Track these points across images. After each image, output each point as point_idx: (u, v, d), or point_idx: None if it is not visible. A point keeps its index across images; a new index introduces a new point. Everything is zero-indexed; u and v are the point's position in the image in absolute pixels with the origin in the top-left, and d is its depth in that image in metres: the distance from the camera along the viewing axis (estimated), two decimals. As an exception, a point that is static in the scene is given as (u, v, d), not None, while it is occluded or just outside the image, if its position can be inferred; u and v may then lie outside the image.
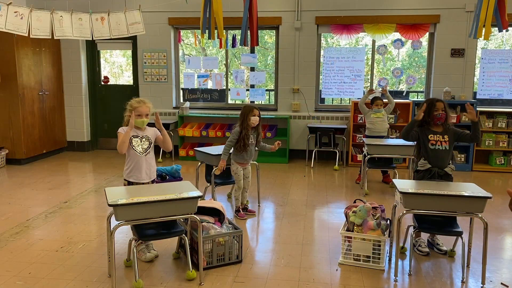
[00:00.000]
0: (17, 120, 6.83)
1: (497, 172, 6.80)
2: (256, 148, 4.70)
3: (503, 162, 6.88)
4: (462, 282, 3.25)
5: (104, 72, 8.50)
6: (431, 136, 3.69)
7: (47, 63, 7.49)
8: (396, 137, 7.06)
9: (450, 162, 3.76)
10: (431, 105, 3.72)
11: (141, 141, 3.56)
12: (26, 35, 5.21)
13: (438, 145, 3.68)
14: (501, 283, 3.22)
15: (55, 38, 5.38)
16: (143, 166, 3.50)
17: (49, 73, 7.55)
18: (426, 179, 3.68)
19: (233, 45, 7.37)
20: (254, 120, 4.44)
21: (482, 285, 3.14)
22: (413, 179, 3.87)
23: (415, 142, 3.84)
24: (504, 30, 5.24)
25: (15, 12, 5.05)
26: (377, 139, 5.74)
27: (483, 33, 5.23)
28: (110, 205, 2.79)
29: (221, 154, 4.49)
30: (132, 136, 3.55)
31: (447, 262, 3.60)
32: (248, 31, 5.37)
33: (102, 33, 5.55)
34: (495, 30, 6.38)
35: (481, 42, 7.24)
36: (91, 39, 5.61)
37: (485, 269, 3.15)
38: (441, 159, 3.68)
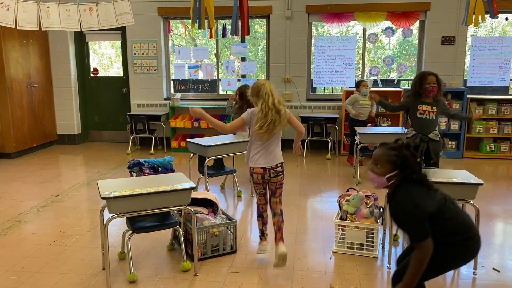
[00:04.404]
0: (5, 114, 6.73)
1: (487, 159, 6.86)
2: None
3: (493, 149, 6.94)
4: (455, 268, 3.29)
5: (93, 64, 8.40)
6: (420, 106, 3.96)
7: (35, 55, 7.37)
8: (388, 126, 7.10)
9: (437, 129, 4.05)
10: (423, 77, 3.98)
11: None
12: (13, 26, 5.11)
13: (426, 115, 3.95)
14: (493, 268, 3.26)
15: (42, 29, 5.28)
16: None
17: (37, 66, 7.44)
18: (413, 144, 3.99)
19: (224, 35, 7.31)
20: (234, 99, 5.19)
21: (474, 271, 3.18)
22: None
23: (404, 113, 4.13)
24: (495, 17, 5.26)
25: (1, 3, 4.94)
26: (367, 128, 5.78)
27: (473, 21, 5.24)
28: (103, 198, 2.77)
29: (214, 145, 4.56)
30: None
31: (440, 249, 3.63)
32: (239, 21, 5.33)
33: (91, 24, 5.46)
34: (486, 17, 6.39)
35: (471, 30, 7.25)
36: (79, 30, 5.52)
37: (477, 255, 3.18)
38: (426, 127, 3.99)
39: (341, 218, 3.60)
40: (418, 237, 2.06)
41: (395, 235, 3.75)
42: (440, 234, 2.09)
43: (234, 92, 5.65)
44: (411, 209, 2.07)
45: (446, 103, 4.17)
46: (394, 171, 2.12)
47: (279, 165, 3.29)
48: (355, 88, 6.49)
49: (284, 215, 3.35)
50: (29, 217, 4.35)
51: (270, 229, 3.43)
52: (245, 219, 4.37)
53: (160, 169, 4.84)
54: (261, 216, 3.41)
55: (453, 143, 7.00)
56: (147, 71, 7.71)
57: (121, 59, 8.21)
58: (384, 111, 7.00)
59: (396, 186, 2.16)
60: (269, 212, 3.41)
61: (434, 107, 3.93)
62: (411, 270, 2.07)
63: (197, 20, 5.17)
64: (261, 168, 3.22)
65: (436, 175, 3.26)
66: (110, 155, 7.15)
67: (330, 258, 3.44)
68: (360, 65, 7.68)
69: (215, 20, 5.64)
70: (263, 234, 3.40)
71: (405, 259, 2.27)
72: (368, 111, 6.32)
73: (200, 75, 7.86)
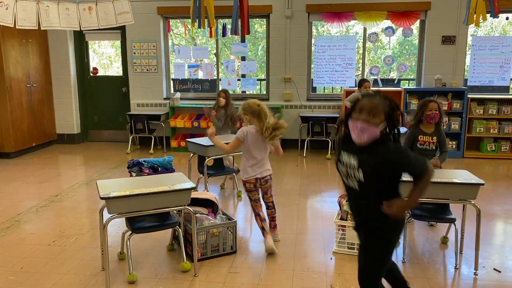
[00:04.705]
0: (5, 113, 6.72)
1: (488, 159, 6.85)
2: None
3: (493, 148, 6.93)
4: (456, 268, 3.28)
5: (93, 63, 8.38)
6: (420, 137, 3.93)
7: (35, 54, 7.36)
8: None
9: (436, 155, 3.99)
10: (424, 104, 3.94)
11: None
12: (12, 26, 5.09)
13: (426, 146, 3.92)
14: (494, 269, 3.25)
15: (41, 28, 5.27)
16: None
17: (36, 65, 7.42)
18: None
19: (224, 34, 7.29)
20: (219, 101, 5.52)
21: (475, 271, 3.17)
22: None
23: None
24: (496, 17, 5.25)
25: (0, 2, 4.92)
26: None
27: (474, 20, 5.23)
28: (102, 198, 2.76)
29: (212, 145, 4.53)
30: None
31: (441, 249, 3.63)
32: (239, 20, 5.31)
33: (90, 23, 5.44)
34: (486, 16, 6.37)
35: (471, 29, 7.24)
36: (78, 29, 5.50)
37: (478, 255, 3.18)
38: (427, 157, 3.87)
39: (341, 218, 3.59)
40: (423, 164, 2.09)
41: (396, 235, 3.74)
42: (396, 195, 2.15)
43: (214, 106, 5.65)
44: (405, 148, 2.17)
45: (445, 136, 4.13)
46: (384, 121, 2.05)
47: (268, 174, 3.65)
48: (357, 88, 6.46)
49: (281, 212, 3.49)
50: (28, 217, 4.33)
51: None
52: (245, 219, 4.35)
53: (159, 169, 4.82)
54: (258, 215, 3.61)
55: (454, 143, 6.99)
56: (147, 70, 7.69)
57: (120, 59, 8.19)
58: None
59: (378, 139, 2.06)
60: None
61: (435, 138, 3.91)
62: (419, 191, 2.10)
63: (197, 20, 5.15)
64: (254, 178, 3.58)
65: (437, 175, 3.25)
66: (110, 155, 7.13)
67: (331, 259, 3.43)
68: (360, 65, 7.67)
69: (215, 20, 5.63)
70: (264, 230, 3.54)
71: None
72: None
73: (200, 75, 7.84)
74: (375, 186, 2.09)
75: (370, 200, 2.11)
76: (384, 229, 2.15)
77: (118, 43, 8.27)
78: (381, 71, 7.95)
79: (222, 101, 5.54)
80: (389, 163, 2.04)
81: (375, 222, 2.15)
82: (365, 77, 7.28)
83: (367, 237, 2.22)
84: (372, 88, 6.47)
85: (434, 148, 3.93)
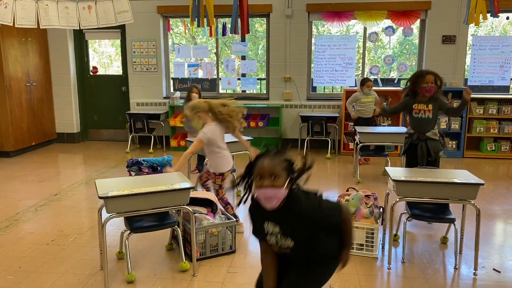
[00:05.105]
0: (4, 112, 6.71)
1: (488, 159, 6.84)
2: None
3: (494, 148, 6.92)
4: (455, 268, 3.27)
5: (92, 62, 8.38)
6: (415, 106, 3.91)
7: (34, 53, 7.35)
8: (388, 125, 7.08)
9: (436, 128, 3.97)
10: (420, 75, 3.88)
11: None
12: (11, 24, 5.08)
13: (422, 114, 3.88)
14: (493, 269, 3.24)
15: (41, 27, 5.26)
16: None
17: (36, 64, 7.41)
18: (408, 143, 4.03)
19: (224, 34, 7.28)
20: (192, 97, 5.54)
21: (474, 271, 3.16)
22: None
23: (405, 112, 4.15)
24: (496, 16, 5.24)
25: (-1, 1, 4.92)
26: (368, 127, 5.77)
27: (474, 19, 5.22)
28: (100, 198, 2.75)
29: None
30: None
31: (440, 249, 3.62)
32: (239, 19, 5.31)
33: (90, 22, 5.43)
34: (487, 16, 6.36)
35: (471, 29, 7.23)
36: (78, 28, 5.50)
37: (478, 256, 3.17)
38: (423, 126, 3.92)
39: (340, 218, 3.57)
40: (338, 212, 1.98)
41: (395, 235, 3.73)
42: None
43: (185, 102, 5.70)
44: (316, 200, 1.96)
45: (447, 102, 4.09)
46: (287, 178, 1.90)
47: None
48: (359, 86, 6.43)
49: None
50: (27, 216, 4.32)
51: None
52: (244, 219, 4.34)
53: (159, 168, 4.82)
54: (229, 204, 3.86)
55: (454, 142, 6.98)
56: (147, 69, 7.68)
57: (120, 58, 8.18)
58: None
59: (288, 197, 1.92)
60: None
61: (430, 105, 3.85)
62: (348, 236, 2.01)
63: (196, 18, 5.15)
64: (228, 171, 3.82)
65: (437, 175, 3.24)
66: (109, 154, 7.13)
67: (330, 258, 3.41)
68: (360, 64, 7.65)
69: (214, 19, 5.62)
70: (236, 216, 3.76)
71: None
72: (371, 108, 6.27)
73: (200, 74, 7.83)
74: (304, 246, 1.95)
75: (305, 256, 2.00)
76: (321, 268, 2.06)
77: (118, 42, 8.26)
78: (381, 71, 7.94)
79: (196, 96, 5.54)
80: (306, 219, 1.90)
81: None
82: (365, 77, 7.26)
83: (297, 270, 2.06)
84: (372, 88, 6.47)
85: (431, 116, 3.87)
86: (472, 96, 6.80)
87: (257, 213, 1.99)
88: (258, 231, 2.03)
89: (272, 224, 1.95)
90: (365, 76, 7.43)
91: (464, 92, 3.68)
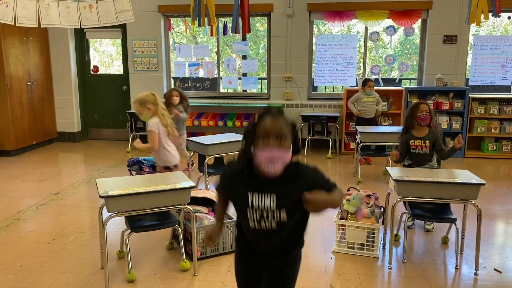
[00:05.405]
0: (5, 111, 6.71)
1: (489, 159, 6.83)
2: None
3: (495, 148, 6.91)
4: (456, 268, 3.27)
5: (93, 62, 8.37)
6: (412, 142, 3.94)
7: (35, 52, 7.35)
8: (389, 125, 7.07)
9: (433, 159, 4.01)
10: (415, 107, 3.96)
11: None
12: (12, 23, 5.08)
13: (419, 150, 3.93)
14: (494, 269, 3.24)
15: (42, 26, 5.26)
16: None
17: (37, 63, 7.41)
18: None
19: (225, 33, 7.28)
20: (173, 100, 5.54)
21: (475, 271, 3.16)
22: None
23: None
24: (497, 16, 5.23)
25: (0, 0, 4.92)
26: (369, 127, 5.76)
27: (476, 19, 5.21)
28: (101, 197, 2.75)
29: (214, 144, 4.55)
30: None
31: (441, 249, 3.61)
32: (240, 18, 5.30)
33: (91, 21, 5.43)
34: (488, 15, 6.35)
35: (472, 29, 7.21)
36: (79, 27, 5.50)
37: (479, 256, 3.16)
38: (422, 160, 3.95)
39: (341, 218, 3.57)
40: (332, 182, 1.82)
41: (396, 235, 3.73)
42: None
43: (168, 106, 5.62)
44: (316, 168, 1.82)
45: (442, 137, 4.11)
46: (291, 143, 1.72)
47: None
48: (361, 87, 6.41)
49: None
50: (28, 215, 4.32)
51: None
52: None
53: (159, 167, 4.82)
54: None
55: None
56: (148, 68, 7.68)
57: (121, 57, 8.18)
58: (386, 110, 6.98)
59: (290, 164, 1.73)
60: None
61: (427, 141, 3.91)
62: (335, 197, 1.76)
63: (197, 18, 5.14)
64: (175, 165, 3.87)
65: (438, 175, 3.24)
66: (110, 153, 7.12)
67: (331, 258, 3.42)
68: (361, 64, 7.65)
69: (215, 18, 5.61)
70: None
71: None
72: (372, 108, 6.23)
73: (201, 73, 7.83)
74: (295, 219, 1.77)
75: (287, 234, 1.80)
76: (295, 260, 1.92)
77: (119, 41, 8.25)
78: (382, 70, 7.93)
79: (177, 99, 5.58)
80: (312, 186, 1.72)
81: (289, 254, 1.87)
82: (366, 77, 7.27)
83: (276, 273, 1.87)
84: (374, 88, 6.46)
85: (428, 152, 3.92)
86: (474, 96, 6.88)
87: (239, 181, 1.75)
88: (238, 200, 1.78)
89: (262, 195, 1.71)
90: (366, 76, 7.43)
91: (456, 141, 3.72)
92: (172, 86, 7.88)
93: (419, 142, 3.93)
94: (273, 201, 1.70)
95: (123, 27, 7.49)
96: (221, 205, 2.01)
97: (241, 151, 1.76)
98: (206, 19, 5.20)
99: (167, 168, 3.82)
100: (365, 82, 6.26)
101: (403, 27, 7.21)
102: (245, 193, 1.73)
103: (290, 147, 1.69)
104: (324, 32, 9.27)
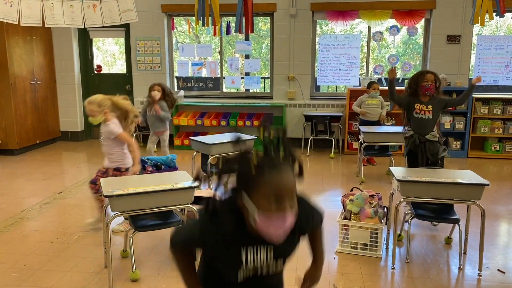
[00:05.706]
0: (9, 110, 6.73)
1: (492, 159, 6.82)
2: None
3: (498, 148, 6.89)
4: (459, 269, 3.26)
5: (97, 61, 8.39)
6: (417, 105, 3.93)
7: (39, 52, 7.37)
8: (392, 125, 7.06)
9: (435, 129, 3.98)
10: (421, 74, 3.94)
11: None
12: (16, 23, 5.10)
13: (422, 114, 3.91)
14: (498, 270, 3.23)
15: (46, 26, 5.28)
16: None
17: (41, 62, 7.43)
18: (410, 145, 4.01)
19: (228, 33, 7.28)
20: (154, 94, 5.41)
21: (479, 272, 3.16)
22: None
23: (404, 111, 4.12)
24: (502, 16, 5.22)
25: (5, -1, 4.94)
26: (372, 127, 5.76)
27: (480, 19, 5.19)
28: (105, 196, 2.76)
29: (218, 143, 4.55)
30: None
31: (444, 249, 3.61)
32: (243, 18, 5.30)
33: (94, 21, 5.45)
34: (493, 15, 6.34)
35: (476, 29, 7.20)
36: (83, 27, 5.51)
37: (482, 256, 3.16)
38: (423, 126, 3.93)
39: (344, 218, 3.57)
40: (320, 211, 1.69)
41: (399, 235, 3.72)
42: None
43: (147, 103, 5.65)
44: (304, 198, 1.54)
45: (447, 97, 4.10)
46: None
47: None
48: (366, 88, 6.39)
49: None
50: (31, 214, 4.34)
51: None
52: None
53: (163, 167, 4.85)
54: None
55: (458, 142, 6.95)
56: (151, 68, 7.69)
57: (124, 56, 8.19)
58: (389, 110, 6.97)
59: None
60: None
61: (430, 106, 3.87)
62: (323, 241, 1.67)
63: (201, 17, 5.15)
64: (128, 168, 3.77)
65: (441, 175, 3.24)
66: (113, 152, 7.13)
67: (334, 258, 3.42)
68: (364, 64, 7.64)
69: (219, 18, 5.61)
70: None
71: None
72: (376, 111, 6.20)
73: (204, 73, 7.83)
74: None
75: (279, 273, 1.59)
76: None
77: (122, 40, 8.27)
78: (385, 70, 7.91)
79: (157, 94, 5.41)
80: (309, 224, 1.56)
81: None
82: (372, 80, 7.21)
83: None
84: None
85: (431, 117, 3.89)
86: (477, 96, 6.86)
87: (228, 239, 1.37)
88: (226, 261, 1.42)
89: (259, 248, 1.41)
90: (369, 76, 7.42)
91: (475, 79, 3.80)
92: (175, 86, 7.90)
93: (422, 106, 3.91)
94: (270, 252, 1.42)
95: (126, 27, 7.50)
96: (189, 266, 1.59)
97: (223, 200, 1.45)
98: (210, 19, 5.21)
99: (117, 170, 3.73)
100: (370, 85, 6.23)
101: (406, 27, 7.20)
102: (237, 252, 1.39)
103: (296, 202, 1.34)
104: (327, 31, 9.26)
